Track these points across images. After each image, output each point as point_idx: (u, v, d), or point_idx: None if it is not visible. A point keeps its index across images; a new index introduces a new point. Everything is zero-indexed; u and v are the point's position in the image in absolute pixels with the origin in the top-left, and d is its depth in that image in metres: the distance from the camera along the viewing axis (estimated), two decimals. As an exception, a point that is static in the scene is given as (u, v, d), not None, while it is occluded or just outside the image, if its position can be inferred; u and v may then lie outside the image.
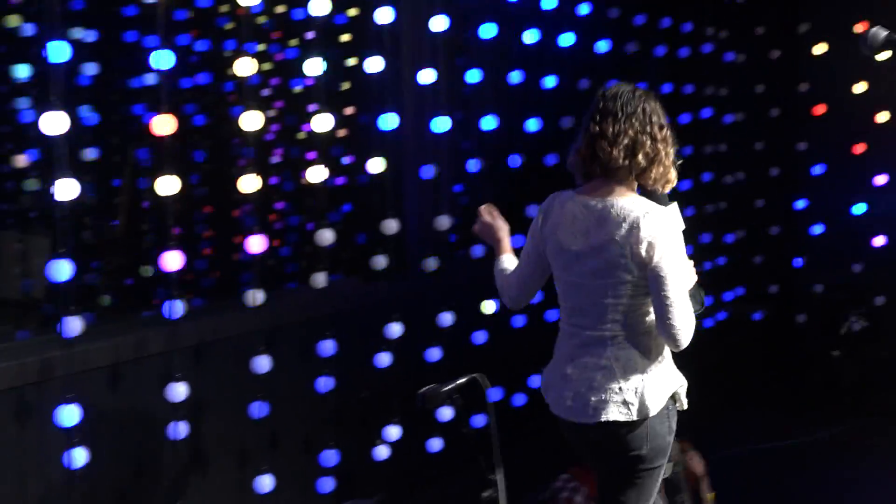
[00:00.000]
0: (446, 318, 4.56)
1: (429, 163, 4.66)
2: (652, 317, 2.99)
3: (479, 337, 4.87)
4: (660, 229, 2.91)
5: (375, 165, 4.14)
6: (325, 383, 3.96)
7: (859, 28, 6.31)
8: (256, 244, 3.45)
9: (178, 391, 3.27)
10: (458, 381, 3.52)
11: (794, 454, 5.71)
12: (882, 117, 6.51)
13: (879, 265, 6.69)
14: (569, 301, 3.11)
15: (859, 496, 5.20)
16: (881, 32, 2.37)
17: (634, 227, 2.91)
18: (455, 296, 4.85)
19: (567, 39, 5.29)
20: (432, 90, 4.61)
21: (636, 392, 2.97)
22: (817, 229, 6.77)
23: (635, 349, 3.01)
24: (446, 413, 4.35)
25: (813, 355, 6.84)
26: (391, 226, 4.14)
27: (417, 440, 4.57)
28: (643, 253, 2.90)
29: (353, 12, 4.92)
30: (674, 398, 3.10)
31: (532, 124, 5.11)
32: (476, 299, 4.88)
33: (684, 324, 2.90)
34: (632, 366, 3.00)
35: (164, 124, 3.22)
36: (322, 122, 3.81)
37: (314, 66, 3.73)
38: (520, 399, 5.20)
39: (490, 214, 3.44)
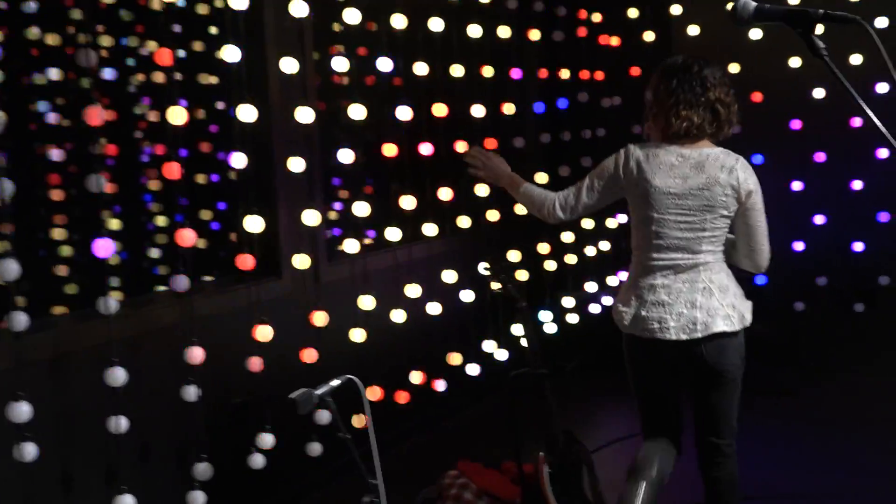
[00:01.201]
0: (320, 318, 4.38)
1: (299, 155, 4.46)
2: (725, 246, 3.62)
3: (357, 336, 4.70)
4: (750, 172, 3.55)
5: (239, 160, 3.92)
6: (192, 392, 3.73)
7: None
8: (103, 248, 3.20)
9: (21, 411, 3.00)
10: (331, 384, 3.36)
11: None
12: (757, 97, 6.59)
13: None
14: (659, 237, 3.55)
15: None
16: (751, 3, 2.30)
17: (732, 171, 3.49)
18: (331, 294, 4.70)
19: (437, 24, 5.15)
20: (299, 80, 4.43)
21: (734, 307, 3.53)
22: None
23: (723, 272, 3.58)
24: (324, 416, 4.17)
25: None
26: (256, 223, 3.92)
27: (295, 445, 4.40)
28: (742, 191, 3.49)
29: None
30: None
31: (404, 112, 4.95)
32: (353, 297, 4.71)
33: (768, 248, 3.61)
34: (725, 286, 3.55)
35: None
36: (177, 115, 3.56)
37: (163, 56, 3.49)
38: (402, 397, 5.05)
39: (485, 156, 4.06)
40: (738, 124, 3.65)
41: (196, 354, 3.71)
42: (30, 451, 3.09)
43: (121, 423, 3.39)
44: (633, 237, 3.69)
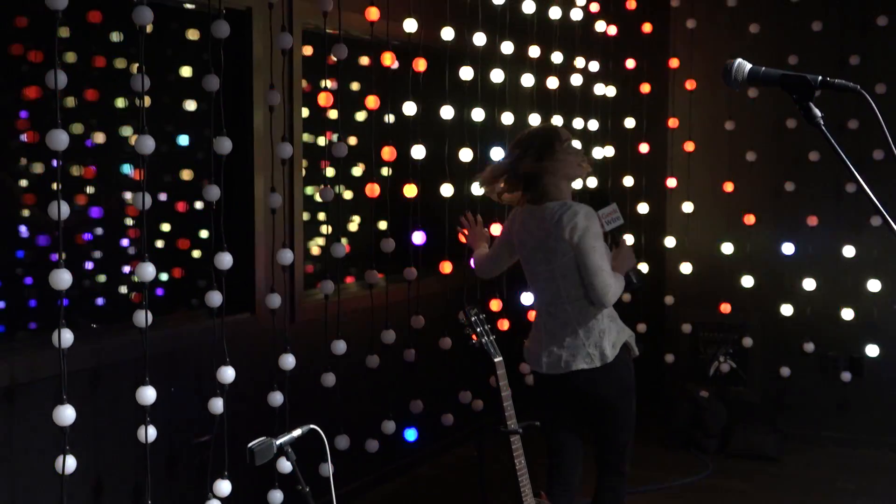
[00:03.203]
0: (289, 360, 4.24)
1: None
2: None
3: (328, 379, 4.56)
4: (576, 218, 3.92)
5: (212, 192, 3.79)
6: (150, 432, 3.58)
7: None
8: (60, 279, 3.07)
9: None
10: (293, 433, 3.23)
11: (660, 497, 5.62)
12: (750, 156, 6.54)
13: (747, 307, 6.69)
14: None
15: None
16: (745, 65, 2.20)
17: (559, 221, 3.92)
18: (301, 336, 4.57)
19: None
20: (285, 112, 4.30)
21: (595, 345, 3.95)
22: (685, 268, 6.73)
23: (587, 314, 3.98)
24: (285, 464, 4.02)
25: (681, 396, 6.78)
26: (225, 259, 3.79)
27: (255, 493, 4.25)
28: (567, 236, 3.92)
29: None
30: (626, 346, 4.07)
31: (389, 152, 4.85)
32: (325, 339, 4.59)
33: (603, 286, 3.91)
34: (588, 327, 3.97)
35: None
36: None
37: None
38: (372, 445, 4.91)
39: (472, 223, 4.62)
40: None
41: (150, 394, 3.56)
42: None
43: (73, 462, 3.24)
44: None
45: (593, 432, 4.17)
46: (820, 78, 2.08)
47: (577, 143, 4.26)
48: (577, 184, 4.44)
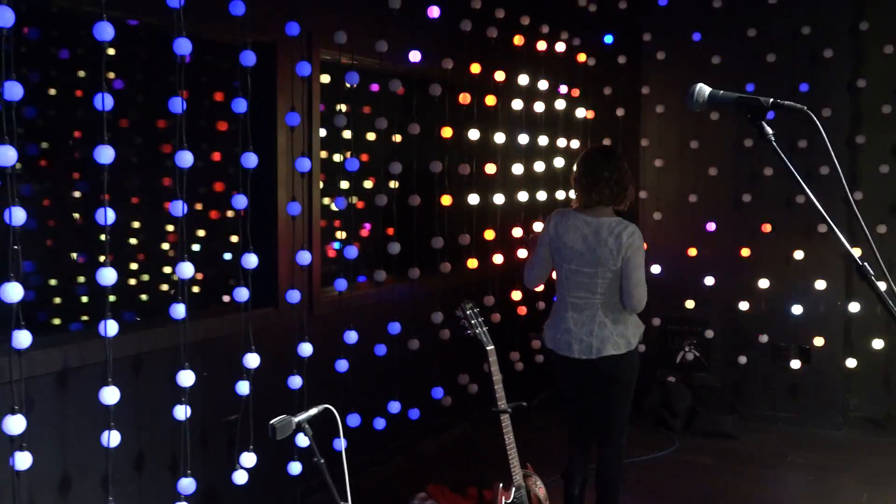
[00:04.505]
0: (307, 349, 4.22)
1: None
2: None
3: (342, 366, 4.54)
4: (633, 237, 4.05)
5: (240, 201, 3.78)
6: (184, 411, 3.57)
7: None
8: (108, 276, 3.05)
9: (16, 423, 2.83)
10: (310, 412, 3.21)
11: (633, 470, 5.59)
12: (712, 171, 6.54)
13: (709, 303, 6.69)
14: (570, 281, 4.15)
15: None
16: (706, 89, 2.18)
17: (619, 236, 4.04)
18: (318, 327, 4.55)
19: (434, 90, 5.06)
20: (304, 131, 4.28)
21: (622, 335, 4.09)
22: (655, 269, 6.71)
23: (614, 310, 4.10)
24: (303, 439, 4.01)
25: (651, 381, 6.76)
26: (251, 259, 3.78)
27: (276, 464, 4.24)
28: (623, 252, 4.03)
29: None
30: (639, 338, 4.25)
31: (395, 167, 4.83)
32: (339, 330, 4.57)
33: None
34: (616, 319, 4.10)
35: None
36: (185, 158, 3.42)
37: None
38: (379, 423, 4.89)
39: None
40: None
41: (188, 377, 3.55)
42: (23, 461, 2.93)
43: (115, 438, 3.22)
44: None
45: (604, 406, 4.21)
46: (771, 100, 2.06)
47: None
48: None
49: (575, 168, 4.25)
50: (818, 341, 6.47)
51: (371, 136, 5.73)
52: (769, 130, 2.07)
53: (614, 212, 4.18)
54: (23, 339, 2.83)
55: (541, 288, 4.52)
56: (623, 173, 4.15)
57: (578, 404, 4.32)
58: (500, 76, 5.72)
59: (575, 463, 4.35)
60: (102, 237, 3.12)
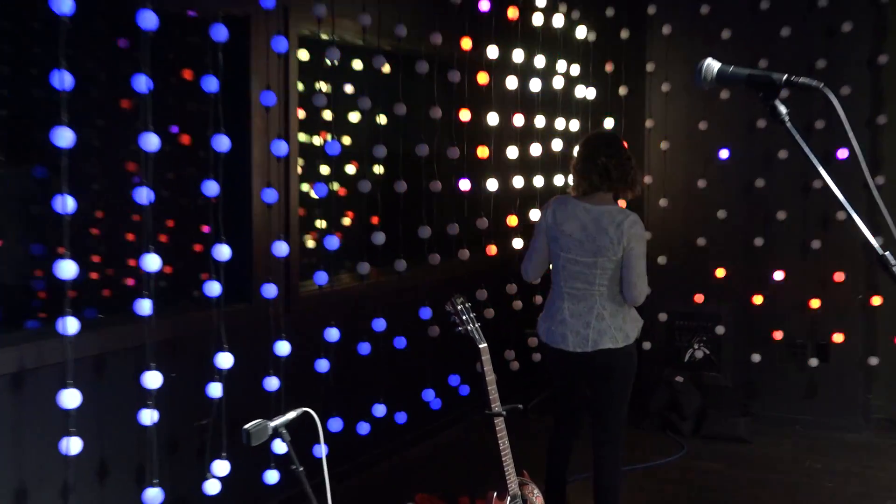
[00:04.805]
0: (284, 348, 4.22)
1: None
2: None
3: (322, 366, 4.54)
4: (635, 226, 4.13)
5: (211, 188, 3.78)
6: (150, 415, 3.56)
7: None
8: (66, 269, 3.04)
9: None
10: (287, 416, 3.21)
11: (639, 477, 5.62)
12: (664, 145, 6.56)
13: (720, 297, 6.70)
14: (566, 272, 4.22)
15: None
16: (714, 65, 2.18)
17: (620, 225, 4.10)
18: (296, 324, 4.54)
19: (421, 67, 5.04)
20: (280, 112, 4.27)
21: (620, 329, 4.15)
22: (661, 260, 6.72)
23: (613, 302, 4.17)
24: (280, 445, 4.01)
25: (658, 381, 6.78)
26: (224, 251, 3.77)
27: (251, 472, 4.24)
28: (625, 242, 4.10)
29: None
30: (638, 332, 4.30)
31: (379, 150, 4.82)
32: (319, 327, 4.57)
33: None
34: (614, 312, 4.16)
35: None
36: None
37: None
38: (363, 428, 4.89)
39: None
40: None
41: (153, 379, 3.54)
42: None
43: (76, 445, 3.22)
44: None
45: (598, 402, 4.29)
46: (785, 76, 2.05)
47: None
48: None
49: (575, 153, 4.33)
50: (837, 337, 6.49)
51: (354, 118, 5.72)
52: (783, 110, 2.06)
53: (620, 200, 4.26)
54: (-26, 338, 2.82)
55: (538, 281, 4.51)
56: (625, 159, 4.26)
57: (566, 404, 4.44)
58: (492, 52, 5.71)
59: (560, 438, 4.46)
60: (61, 227, 3.11)
